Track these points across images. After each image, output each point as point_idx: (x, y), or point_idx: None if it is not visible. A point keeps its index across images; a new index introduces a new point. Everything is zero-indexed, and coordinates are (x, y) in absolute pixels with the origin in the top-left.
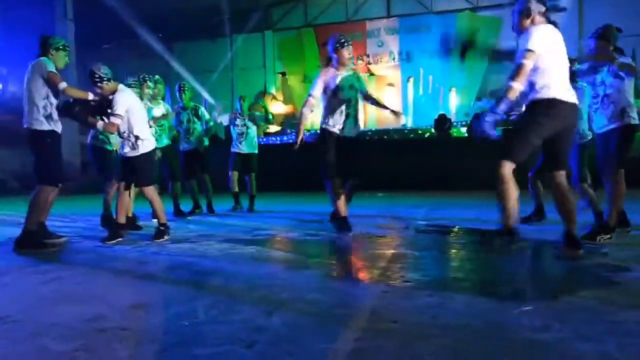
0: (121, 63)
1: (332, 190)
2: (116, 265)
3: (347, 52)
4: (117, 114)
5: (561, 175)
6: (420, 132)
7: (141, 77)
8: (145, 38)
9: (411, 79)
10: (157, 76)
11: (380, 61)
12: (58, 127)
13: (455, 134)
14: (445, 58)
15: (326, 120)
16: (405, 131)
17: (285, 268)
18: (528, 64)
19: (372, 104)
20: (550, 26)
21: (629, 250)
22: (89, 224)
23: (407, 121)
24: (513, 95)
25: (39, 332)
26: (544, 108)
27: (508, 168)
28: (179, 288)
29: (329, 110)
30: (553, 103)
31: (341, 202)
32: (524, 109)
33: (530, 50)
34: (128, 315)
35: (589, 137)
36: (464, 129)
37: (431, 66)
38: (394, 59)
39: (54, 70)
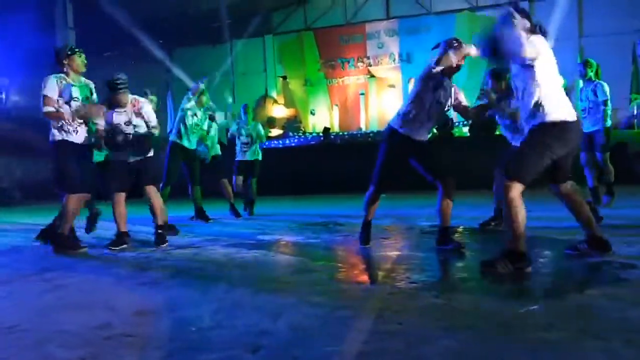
0: (122, 70)
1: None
2: (121, 272)
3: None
4: (156, 125)
5: (566, 185)
6: None
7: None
8: (146, 44)
9: (412, 80)
10: (202, 85)
11: (381, 63)
12: (71, 137)
13: (457, 134)
14: None
15: (402, 124)
16: None
17: (289, 271)
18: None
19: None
20: (543, 38)
21: (634, 247)
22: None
23: None
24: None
25: (45, 340)
26: (556, 132)
27: (517, 191)
28: (184, 293)
29: (414, 115)
30: (564, 127)
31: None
32: (525, 128)
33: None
34: (133, 321)
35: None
36: (465, 129)
37: None
38: (394, 60)
39: (48, 94)
